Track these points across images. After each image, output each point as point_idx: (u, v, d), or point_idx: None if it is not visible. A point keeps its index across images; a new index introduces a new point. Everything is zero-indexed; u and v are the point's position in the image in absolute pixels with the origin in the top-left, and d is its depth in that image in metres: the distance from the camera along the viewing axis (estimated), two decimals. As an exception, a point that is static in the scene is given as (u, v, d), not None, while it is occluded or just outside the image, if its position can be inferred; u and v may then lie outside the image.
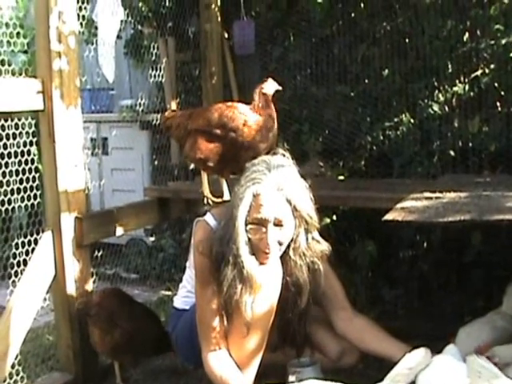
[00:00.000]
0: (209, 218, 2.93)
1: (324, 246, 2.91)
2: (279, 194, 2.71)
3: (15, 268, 3.29)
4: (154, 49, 4.72)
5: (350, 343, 3.10)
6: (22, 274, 3.26)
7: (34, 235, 3.40)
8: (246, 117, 3.10)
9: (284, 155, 2.86)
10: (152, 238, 5.68)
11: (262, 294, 2.71)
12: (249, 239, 2.72)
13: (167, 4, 4.87)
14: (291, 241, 2.81)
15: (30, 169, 3.38)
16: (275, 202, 2.71)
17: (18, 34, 3.38)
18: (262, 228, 2.72)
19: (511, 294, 3.18)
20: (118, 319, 3.37)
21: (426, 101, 4.06)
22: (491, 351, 2.73)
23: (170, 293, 4.79)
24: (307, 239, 2.84)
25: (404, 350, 2.79)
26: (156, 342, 3.45)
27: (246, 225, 2.72)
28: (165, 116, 3.55)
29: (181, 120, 3.33)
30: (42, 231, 3.40)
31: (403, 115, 4.15)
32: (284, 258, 2.83)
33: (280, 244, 2.76)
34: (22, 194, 3.35)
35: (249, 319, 2.68)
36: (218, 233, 2.79)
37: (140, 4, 4.85)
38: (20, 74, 3.53)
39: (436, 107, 4.01)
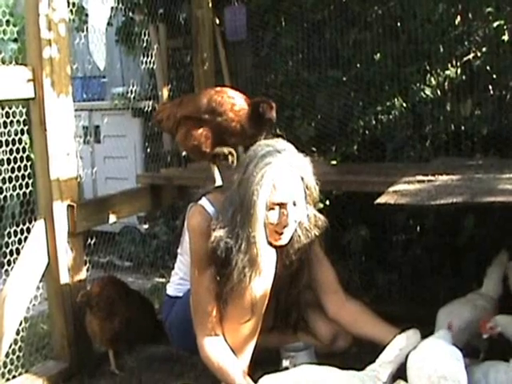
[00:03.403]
0: (205, 204, 2.91)
1: (322, 220, 2.97)
2: (294, 174, 2.74)
3: (8, 257, 3.28)
4: (145, 35, 4.70)
5: (342, 327, 3.11)
6: (15, 262, 3.25)
7: (27, 224, 3.39)
8: (234, 100, 3.09)
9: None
10: (145, 226, 5.68)
11: (259, 280, 2.71)
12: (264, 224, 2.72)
13: (158, -10, 4.85)
14: None
15: (22, 157, 3.37)
16: (292, 184, 2.73)
17: (7, 22, 3.36)
18: (282, 210, 2.73)
19: (490, 275, 3.27)
20: (116, 308, 3.39)
21: (418, 85, 4.05)
22: (493, 320, 2.78)
23: (163, 280, 4.79)
24: (308, 214, 2.88)
25: (395, 334, 2.80)
26: (150, 329, 3.47)
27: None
28: (156, 112, 3.54)
29: (171, 110, 3.31)
30: (35, 220, 3.39)
31: (395, 99, 4.15)
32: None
33: (296, 222, 2.80)
34: (13, 182, 3.34)
35: (253, 304, 2.70)
36: (224, 220, 2.75)
37: (130, -10, 4.83)
38: (10, 63, 3.51)
39: (428, 91, 4.01)
